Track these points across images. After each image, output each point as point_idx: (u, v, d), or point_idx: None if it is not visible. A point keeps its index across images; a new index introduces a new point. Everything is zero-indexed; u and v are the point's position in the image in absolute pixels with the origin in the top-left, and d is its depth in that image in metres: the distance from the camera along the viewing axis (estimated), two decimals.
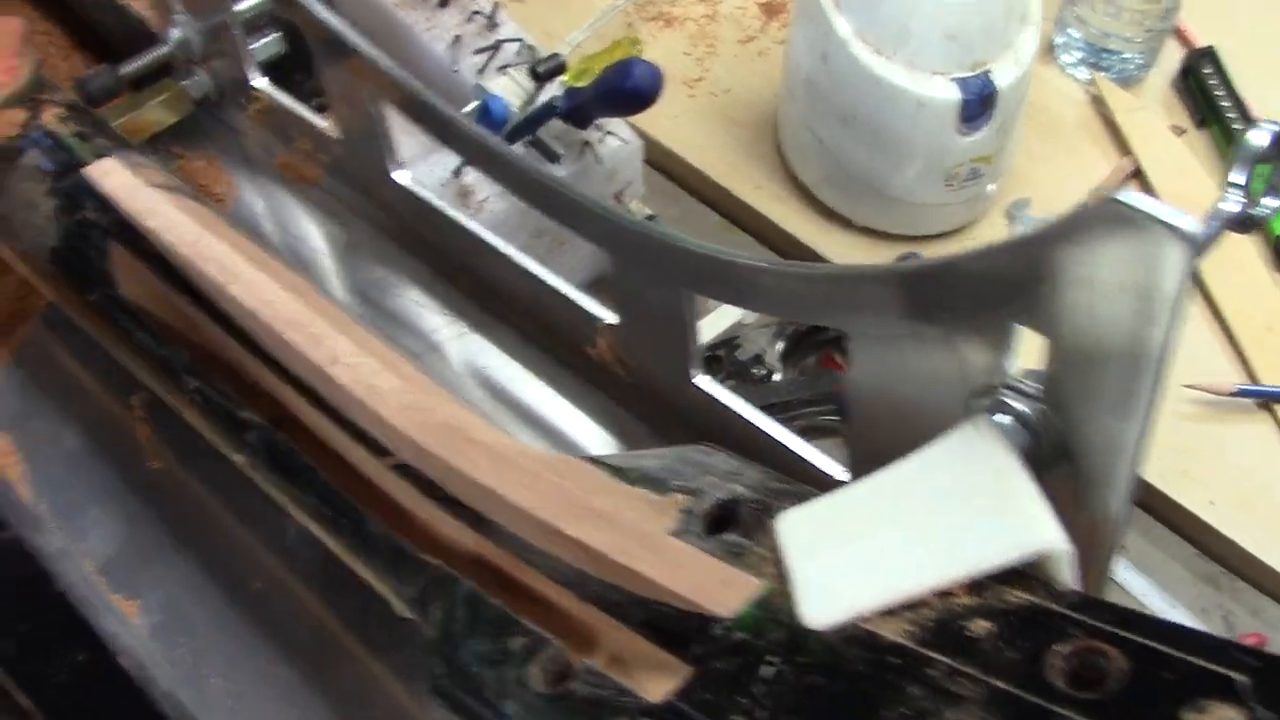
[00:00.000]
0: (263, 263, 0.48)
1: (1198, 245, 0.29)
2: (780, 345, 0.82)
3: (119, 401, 0.58)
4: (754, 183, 0.94)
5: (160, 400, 0.56)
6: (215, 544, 0.52)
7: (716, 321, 0.81)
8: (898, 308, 0.37)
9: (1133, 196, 0.30)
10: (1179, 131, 0.93)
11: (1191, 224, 0.29)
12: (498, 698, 0.34)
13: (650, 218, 0.99)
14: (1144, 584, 0.71)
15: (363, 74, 0.53)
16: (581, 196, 0.46)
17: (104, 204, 0.52)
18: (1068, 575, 0.31)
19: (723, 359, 0.82)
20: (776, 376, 0.81)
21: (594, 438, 0.54)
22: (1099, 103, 0.96)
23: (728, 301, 0.44)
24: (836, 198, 0.92)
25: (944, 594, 0.32)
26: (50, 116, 0.57)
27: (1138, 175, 0.91)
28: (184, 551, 0.52)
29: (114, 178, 0.51)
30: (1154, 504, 0.74)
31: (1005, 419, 0.36)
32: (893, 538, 0.33)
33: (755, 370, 0.81)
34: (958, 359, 0.37)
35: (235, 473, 0.52)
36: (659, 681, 0.33)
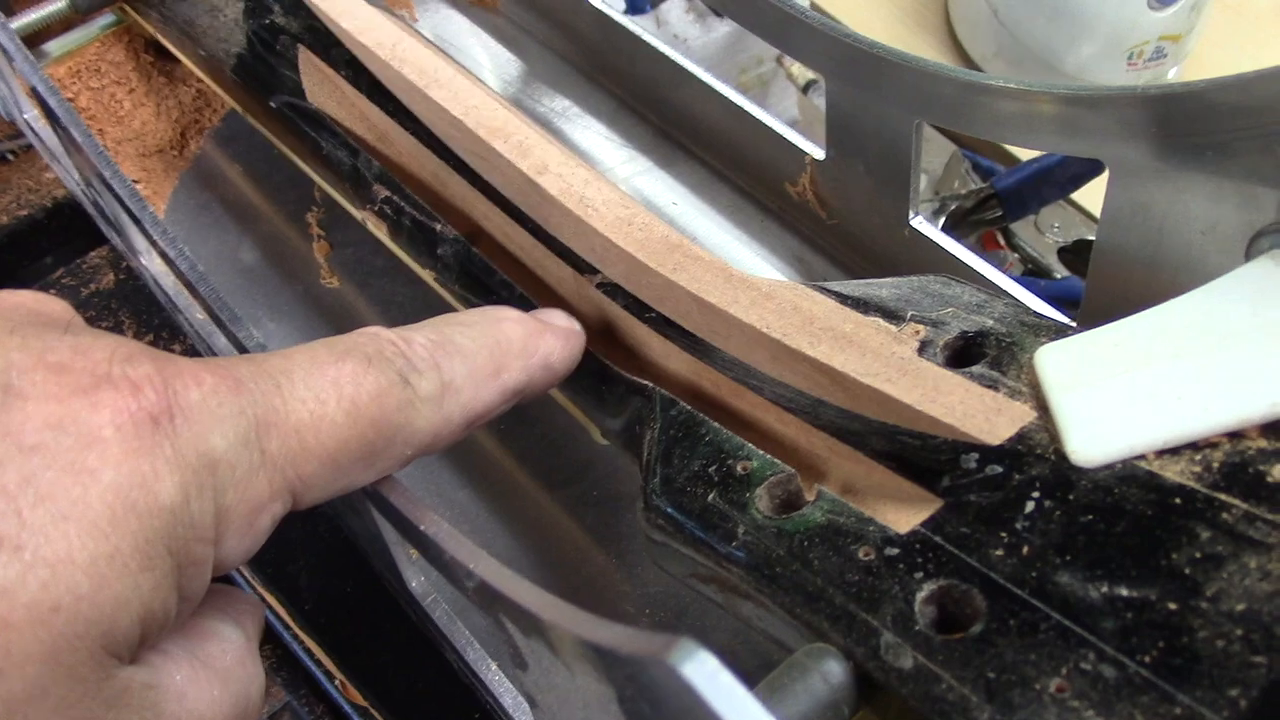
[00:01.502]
0: (463, 72, 0.46)
1: None
2: (941, 222, 0.79)
3: (295, 220, 0.56)
4: (918, 54, 0.90)
5: (337, 219, 0.54)
6: None
7: None
8: (1162, 137, 0.34)
9: None
10: None
11: None
12: (722, 520, 0.32)
13: (811, 82, 0.95)
14: None
15: None
16: (805, 13, 0.43)
17: (293, 7, 0.50)
18: None
19: None
20: None
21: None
22: None
23: (966, 131, 0.40)
24: (1007, 73, 0.87)
25: (1235, 435, 0.29)
26: None
27: None
28: None
29: None
30: None
31: None
32: (1174, 373, 0.30)
33: None
34: (1242, 194, 0.33)
35: (413, 294, 0.51)
36: (903, 513, 0.31)
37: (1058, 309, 0.41)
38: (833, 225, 0.49)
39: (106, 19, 0.60)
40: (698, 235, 0.53)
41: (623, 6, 0.70)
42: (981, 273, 0.44)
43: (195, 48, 0.55)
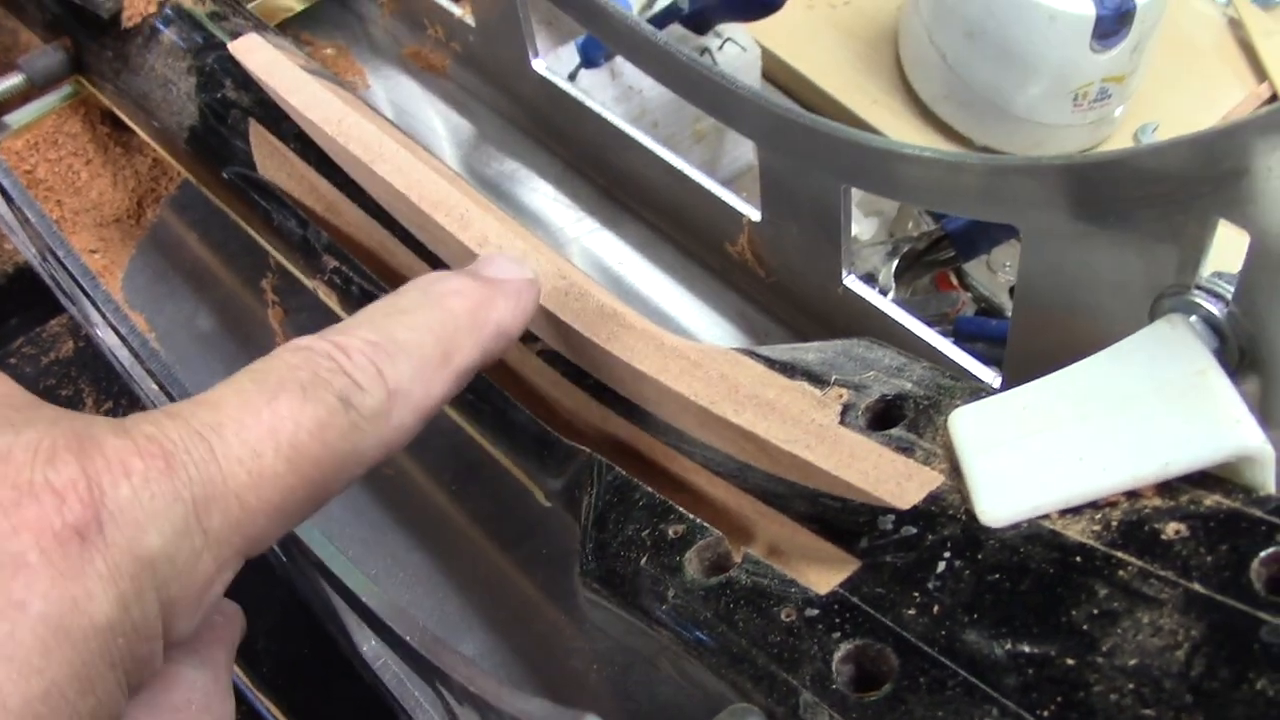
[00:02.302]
0: (407, 144, 0.47)
1: None
2: (895, 264, 0.81)
3: (250, 285, 0.58)
4: (870, 98, 0.92)
5: (291, 284, 0.56)
6: None
7: None
8: (1072, 204, 0.36)
9: None
10: None
11: None
12: (652, 584, 0.34)
13: None
14: None
15: None
16: (736, 83, 0.45)
17: (244, 82, 0.51)
18: (1268, 481, 0.30)
19: None
20: (890, 295, 0.80)
21: (727, 339, 0.53)
22: (1237, 25, 0.92)
23: (887, 196, 0.42)
24: (957, 115, 0.90)
25: (1132, 495, 0.30)
26: None
27: (1274, 102, 0.87)
28: None
29: (257, 54, 0.50)
30: None
31: (1195, 321, 0.34)
32: (1077, 435, 0.32)
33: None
34: (1150, 258, 0.35)
35: None
36: (823, 574, 0.32)
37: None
38: (771, 283, 0.51)
39: (63, 91, 0.61)
40: (644, 294, 0.55)
41: (577, 60, 0.71)
42: (910, 329, 0.46)
43: (149, 119, 0.56)
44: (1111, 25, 0.81)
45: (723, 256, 0.53)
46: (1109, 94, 0.86)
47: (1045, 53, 0.83)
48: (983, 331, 0.73)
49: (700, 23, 0.74)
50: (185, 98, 0.53)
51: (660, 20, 0.74)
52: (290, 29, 0.67)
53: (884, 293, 0.81)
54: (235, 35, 0.53)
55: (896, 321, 0.46)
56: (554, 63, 0.68)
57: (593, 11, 0.49)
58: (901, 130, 0.90)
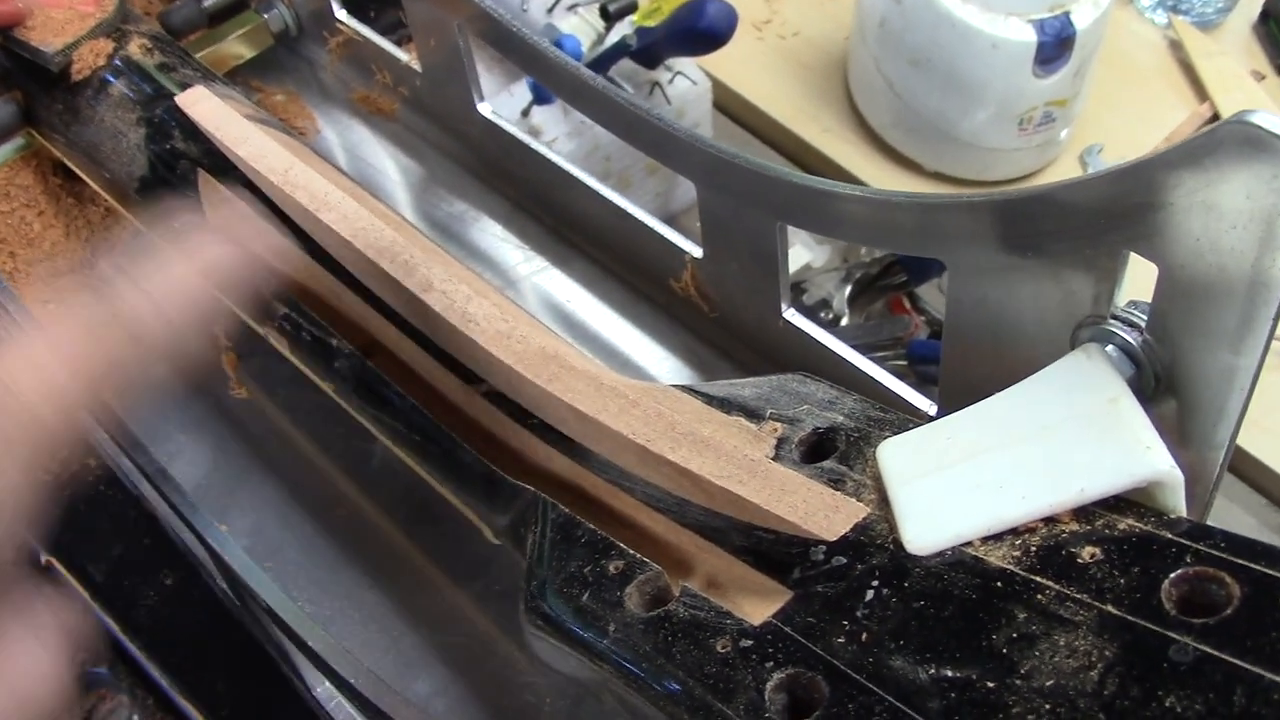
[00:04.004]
0: (353, 192, 0.48)
1: None
2: (848, 289, 0.82)
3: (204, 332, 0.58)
4: (821, 125, 0.93)
5: (245, 330, 0.56)
6: (300, 472, 0.53)
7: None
8: (996, 238, 0.37)
9: (1265, 116, 0.29)
10: (1259, 77, 0.91)
11: None
12: (594, 619, 0.34)
13: None
14: None
15: (449, 5, 0.53)
16: (673, 125, 0.46)
17: (192, 133, 0.52)
18: (1179, 504, 0.31)
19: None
20: (844, 321, 0.81)
21: (675, 373, 0.54)
22: (1177, 47, 0.94)
23: (822, 233, 0.43)
24: (906, 142, 0.91)
25: (1050, 520, 0.31)
26: (136, 47, 0.58)
27: (1215, 122, 0.89)
28: (269, 479, 0.53)
29: (203, 105, 0.51)
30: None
31: (1110, 350, 0.36)
32: (998, 464, 0.33)
33: (822, 314, 0.81)
34: (1066, 290, 0.36)
35: (319, 402, 0.53)
36: (758, 605, 0.33)
37: None
38: (715, 318, 0.52)
39: (15, 143, 0.62)
40: (594, 331, 0.56)
41: (529, 97, 0.73)
42: (849, 360, 0.47)
43: (100, 170, 0.57)
44: (1053, 51, 0.83)
45: (668, 293, 0.54)
46: (1053, 118, 0.87)
47: (989, 79, 0.84)
48: (935, 354, 0.74)
49: (650, 57, 0.75)
50: (135, 149, 0.54)
51: (611, 56, 0.75)
52: (240, 76, 0.68)
53: (838, 318, 0.83)
54: (185, 86, 0.54)
55: (836, 353, 0.47)
56: (506, 100, 0.70)
57: (532, 57, 0.50)
58: (852, 158, 0.91)
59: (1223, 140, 0.30)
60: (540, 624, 0.36)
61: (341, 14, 0.63)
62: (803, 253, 0.80)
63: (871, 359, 0.75)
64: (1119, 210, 0.33)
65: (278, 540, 0.51)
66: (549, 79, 0.52)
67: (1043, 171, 0.88)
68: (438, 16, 0.55)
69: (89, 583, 0.51)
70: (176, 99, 0.52)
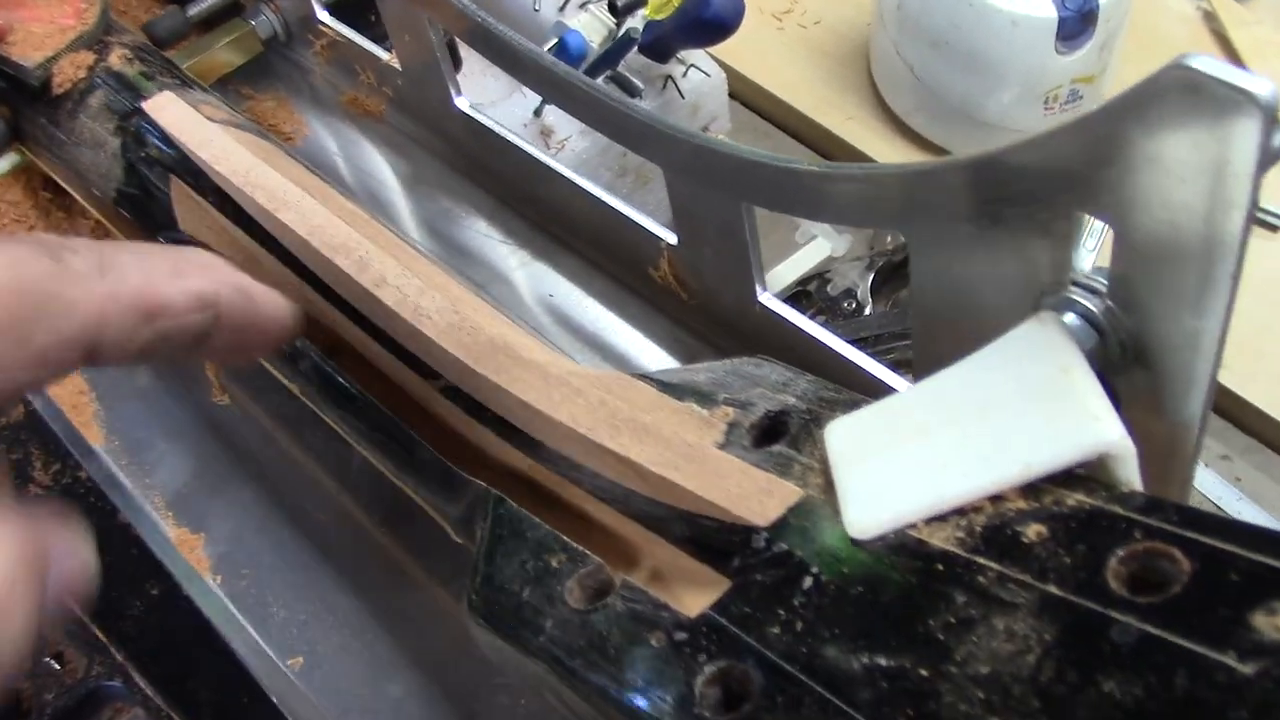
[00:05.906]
0: (318, 191, 0.47)
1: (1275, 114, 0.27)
2: (871, 278, 0.80)
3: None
4: (845, 114, 0.92)
5: None
6: (279, 477, 0.53)
7: (807, 256, 0.79)
8: (961, 206, 0.35)
9: (1204, 60, 0.27)
10: None
11: (1271, 90, 0.27)
12: (534, 615, 0.33)
13: None
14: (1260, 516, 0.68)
15: (419, 1, 0.52)
16: (632, 108, 0.45)
17: (167, 140, 0.52)
18: (1132, 477, 0.29)
19: (813, 293, 0.80)
20: (868, 310, 0.79)
21: (659, 362, 0.53)
22: (1210, 18, 0.91)
23: (788, 212, 0.42)
24: (931, 127, 0.89)
25: (996, 499, 0.30)
26: (118, 58, 0.57)
27: None
28: (249, 485, 0.52)
29: (170, 110, 0.51)
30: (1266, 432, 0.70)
31: (1073, 318, 0.34)
32: (944, 441, 0.31)
33: (846, 304, 0.79)
34: (1024, 257, 0.34)
35: (300, 406, 0.52)
36: (698, 596, 0.32)
37: None
38: (694, 305, 0.51)
39: (9, 160, 0.62)
40: (580, 323, 0.55)
41: (541, 97, 0.72)
42: (826, 342, 0.45)
43: (83, 183, 0.57)
44: (1075, 26, 0.81)
45: (649, 282, 0.53)
46: (1080, 95, 0.85)
47: (1011, 58, 0.82)
48: None
49: (660, 51, 0.74)
50: (112, 159, 0.54)
51: (618, 50, 0.74)
52: (231, 83, 0.68)
53: (861, 308, 0.81)
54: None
55: (813, 336, 0.46)
56: (520, 101, 0.69)
57: (493, 44, 0.49)
58: (877, 145, 0.90)
59: (1164, 88, 0.28)
60: (481, 621, 0.35)
61: (323, 15, 0.63)
62: (823, 244, 0.79)
63: (897, 347, 0.74)
64: (1068, 170, 0.32)
65: (255, 547, 0.50)
66: (518, 69, 0.51)
67: None
68: (410, 13, 0.54)
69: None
70: (144, 105, 0.52)
